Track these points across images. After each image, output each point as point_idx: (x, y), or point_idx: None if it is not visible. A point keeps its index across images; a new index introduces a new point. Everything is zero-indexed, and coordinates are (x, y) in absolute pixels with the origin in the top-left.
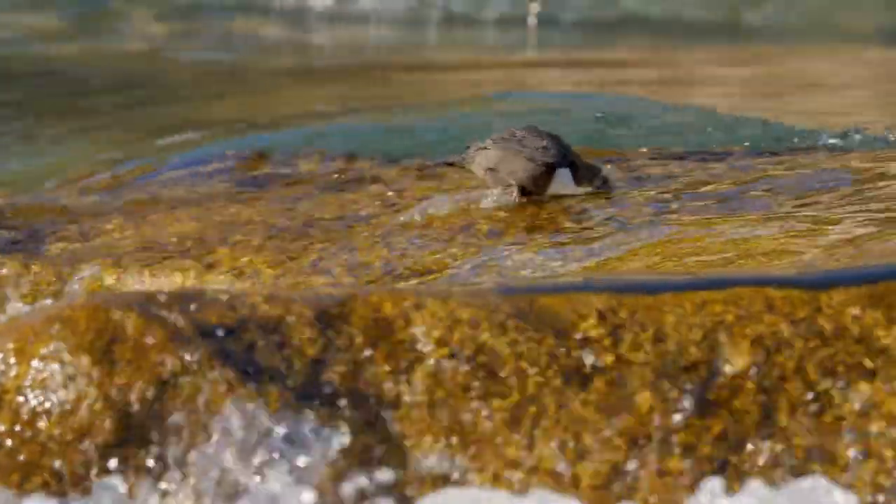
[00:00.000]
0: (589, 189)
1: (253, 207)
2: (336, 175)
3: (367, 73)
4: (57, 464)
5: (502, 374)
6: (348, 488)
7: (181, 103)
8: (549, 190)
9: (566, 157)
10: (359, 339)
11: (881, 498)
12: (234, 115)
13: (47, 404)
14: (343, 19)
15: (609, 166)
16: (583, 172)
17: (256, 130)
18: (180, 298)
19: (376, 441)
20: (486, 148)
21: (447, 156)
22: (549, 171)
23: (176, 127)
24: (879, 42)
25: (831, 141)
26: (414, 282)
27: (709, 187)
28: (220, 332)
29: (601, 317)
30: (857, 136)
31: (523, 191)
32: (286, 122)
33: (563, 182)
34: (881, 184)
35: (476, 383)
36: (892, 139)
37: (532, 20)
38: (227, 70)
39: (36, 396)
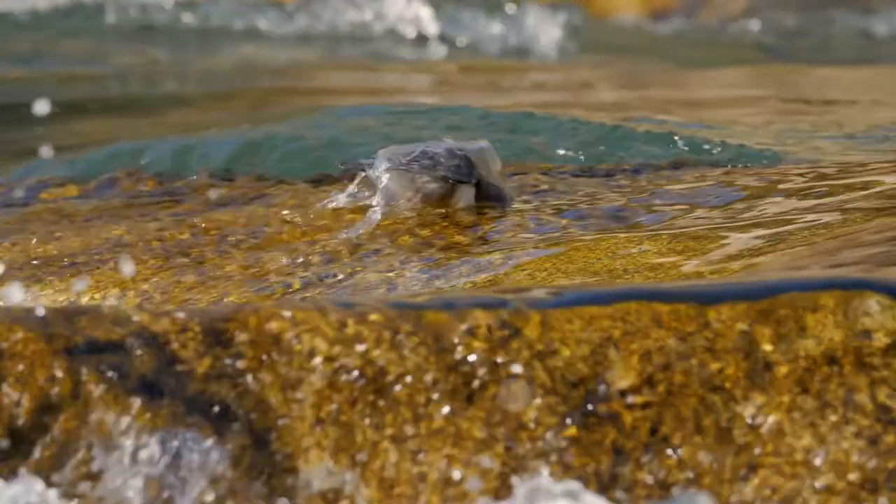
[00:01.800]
0: (489, 204)
1: (137, 224)
2: (221, 192)
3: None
4: None
5: (390, 389)
6: None
7: (51, 119)
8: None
9: (471, 177)
10: (247, 354)
11: None
12: (112, 132)
13: None
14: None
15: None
16: (483, 191)
17: (134, 148)
18: (67, 314)
19: (264, 457)
20: (392, 160)
21: (350, 161)
22: (453, 190)
23: (52, 144)
24: (768, 59)
25: (720, 157)
26: (302, 297)
27: (598, 202)
28: (108, 348)
29: (489, 332)
30: (746, 152)
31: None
32: (167, 138)
33: (463, 200)
34: (769, 199)
35: (365, 399)
36: (779, 156)
37: None
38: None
39: None
